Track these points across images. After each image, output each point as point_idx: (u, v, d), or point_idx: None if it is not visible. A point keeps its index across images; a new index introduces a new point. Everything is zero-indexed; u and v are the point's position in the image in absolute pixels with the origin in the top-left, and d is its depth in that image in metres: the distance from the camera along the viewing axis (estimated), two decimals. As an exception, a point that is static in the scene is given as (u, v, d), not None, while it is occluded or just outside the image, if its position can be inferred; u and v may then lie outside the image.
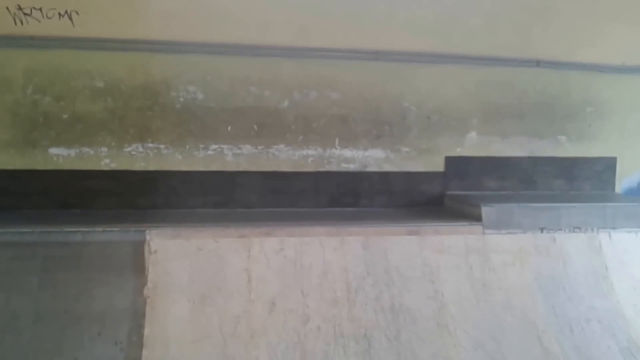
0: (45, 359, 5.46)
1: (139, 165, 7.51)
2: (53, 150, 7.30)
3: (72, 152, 7.34)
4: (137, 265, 6.12)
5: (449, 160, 8.44)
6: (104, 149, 7.40)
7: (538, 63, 8.55)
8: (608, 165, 8.96)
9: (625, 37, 8.73)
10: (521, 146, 8.68)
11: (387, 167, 8.21)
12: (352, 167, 8.09)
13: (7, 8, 6.94)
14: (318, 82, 7.61)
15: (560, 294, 6.83)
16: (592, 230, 7.32)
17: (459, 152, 8.49)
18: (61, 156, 7.32)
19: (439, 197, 8.43)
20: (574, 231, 7.25)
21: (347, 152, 8.04)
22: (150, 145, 7.51)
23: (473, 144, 8.52)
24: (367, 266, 6.52)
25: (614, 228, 7.38)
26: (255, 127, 7.78)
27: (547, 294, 6.76)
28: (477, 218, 7.19)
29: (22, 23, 6.98)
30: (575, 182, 8.92)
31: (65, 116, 7.30)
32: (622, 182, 9.05)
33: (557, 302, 6.77)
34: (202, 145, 7.65)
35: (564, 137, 8.81)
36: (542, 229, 7.18)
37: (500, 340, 6.35)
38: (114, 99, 7.38)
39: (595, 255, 7.19)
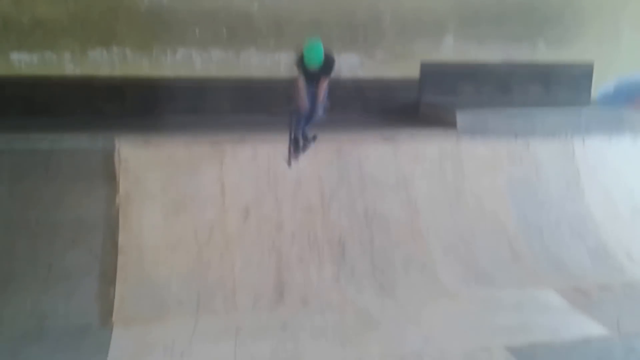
0: (19, 266, 5.14)
1: (105, 71, 6.86)
2: (14, 56, 6.62)
3: (34, 57, 6.66)
4: (108, 173, 5.68)
5: (425, 67, 7.86)
6: (68, 54, 6.73)
7: (519, -37, 7.78)
8: (585, 71, 8.41)
9: None
10: (498, 51, 8.08)
11: (362, 74, 7.60)
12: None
13: None
14: (290, -17, 6.76)
15: (531, 199, 6.56)
16: (566, 136, 6.93)
17: (434, 57, 7.85)
18: (23, 61, 6.66)
19: (414, 104, 7.88)
20: (548, 137, 6.87)
21: None
22: (115, 50, 6.84)
23: (449, 49, 7.92)
24: (341, 174, 6.18)
25: (588, 134, 6.98)
26: (225, 31, 7.11)
27: (519, 199, 6.52)
28: (452, 124, 6.77)
29: None
30: (551, 88, 8.41)
31: (25, 20, 6.57)
32: (599, 87, 8.54)
33: (529, 207, 6.50)
34: (169, 50, 7.01)
35: (542, 42, 8.23)
36: (516, 135, 6.78)
37: (472, 243, 6.16)
38: (75, 2, 6.64)
39: (568, 161, 6.88)
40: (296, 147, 5.69)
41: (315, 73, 5.40)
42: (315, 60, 5.29)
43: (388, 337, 4.88)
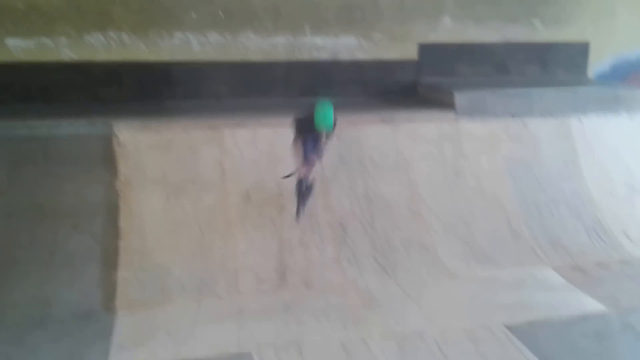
0: (21, 253, 5.08)
1: (101, 56, 6.69)
2: (10, 42, 6.45)
3: (31, 43, 6.48)
4: (107, 159, 5.59)
5: (423, 48, 7.70)
6: (64, 39, 6.56)
7: (515, -60, 7.60)
8: (581, 50, 8.30)
9: None
10: (495, 31, 7.93)
11: (360, 55, 7.44)
12: (324, 55, 7.34)
13: None
14: (287, -37, 6.58)
15: (530, 179, 6.51)
16: (563, 115, 6.87)
17: (432, 38, 7.70)
18: (20, 48, 6.48)
19: (413, 85, 7.73)
20: (545, 117, 6.80)
21: (319, 40, 7.29)
22: (112, 34, 6.67)
23: (447, 30, 7.75)
24: (341, 156, 6.10)
25: (584, 112, 6.91)
26: (222, 14, 6.92)
27: (517, 178, 6.47)
28: (451, 105, 6.68)
29: None
30: (548, 68, 8.30)
31: (20, 5, 6.39)
32: (595, 66, 8.44)
33: (527, 187, 6.46)
34: (166, 34, 6.82)
35: (539, 22, 8.07)
36: (514, 115, 6.71)
37: (471, 224, 6.13)
38: (70, -15, 6.38)
39: (565, 140, 6.81)
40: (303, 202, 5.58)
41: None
42: (327, 125, 5.23)
43: (389, 317, 4.87)
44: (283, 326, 4.72)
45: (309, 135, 5.33)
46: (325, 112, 5.20)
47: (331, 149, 6.02)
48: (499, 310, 5.00)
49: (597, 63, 8.44)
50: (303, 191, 5.52)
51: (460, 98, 6.70)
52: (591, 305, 5.12)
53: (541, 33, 8.12)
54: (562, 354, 4.36)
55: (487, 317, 4.86)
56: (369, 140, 6.28)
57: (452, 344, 4.46)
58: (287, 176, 5.50)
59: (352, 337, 4.56)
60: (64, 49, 6.61)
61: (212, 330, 4.66)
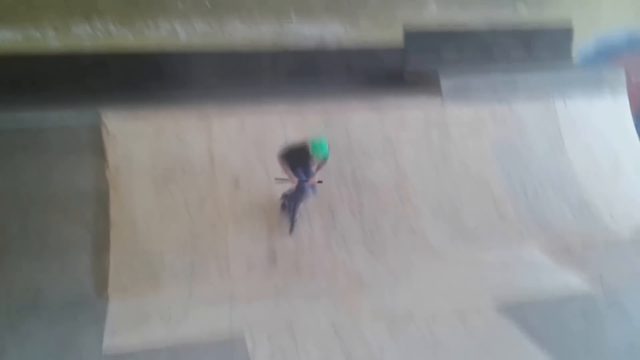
0: (13, 243, 5.08)
1: (88, 46, 6.67)
2: (-3, 33, 6.38)
3: (18, 34, 6.44)
4: (96, 148, 5.57)
5: (408, 33, 7.69)
6: (51, 30, 6.53)
7: None
8: (565, 32, 8.31)
9: None
10: (480, 16, 7.92)
11: (346, 42, 7.42)
12: (310, 42, 7.31)
13: None
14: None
15: (516, 161, 6.56)
16: (548, 97, 6.91)
17: (418, 24, 7.67)
18: (7, 39, 6.44)
19: (399, 70, 7.73)
20: (530, 99, 6.84)
21: (305, 28, 7.28)
22: (99, 24, 6.64)
23: (432, 16, 7.74)
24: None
25: (569, 95, 6.96)
26: (208, 3, 6.90)
27: (503, 161, 6.51)
28: (437, 90, 6.70)
29: None
30: (533, 52, 8.31)
31: (5, -3, 6.29)
32: (579, 49, 8.46)
33: (513, 169, 6.50)
34: (152, 24, 6.78)
35: (523, 4, 8.06)
36: (499, 99, 6.74)
37: (459, 206, 6.18)
38: (54, -25, 6.33)
39: (551, 122, 6.86)
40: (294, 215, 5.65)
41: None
42: (323, 153, 5.40)
43: (379, 299, 4.91)
44: (274, 309, 4.75)
45: (299, 168, 5.47)
46: (320, 142, 5.37)
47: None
48: (487, 290, 5.04)
49: (581, 45, 8.47)
50: (297, 197, 5.54)
51: (446, 83, 6.72)
52: (577, 284, 5.18)
53: (525, 16, 8.12)
54: (551, 332, 4.41)
55: (476, 298, 4.91)
56: (356, 126, 6.29)
57: (441, 325, 4.49)
58: (280, 180, 5.52)
59: (342, 319, 4.59)
60: (51, 39, 6.57)
61: (204, 314, 4.68)
